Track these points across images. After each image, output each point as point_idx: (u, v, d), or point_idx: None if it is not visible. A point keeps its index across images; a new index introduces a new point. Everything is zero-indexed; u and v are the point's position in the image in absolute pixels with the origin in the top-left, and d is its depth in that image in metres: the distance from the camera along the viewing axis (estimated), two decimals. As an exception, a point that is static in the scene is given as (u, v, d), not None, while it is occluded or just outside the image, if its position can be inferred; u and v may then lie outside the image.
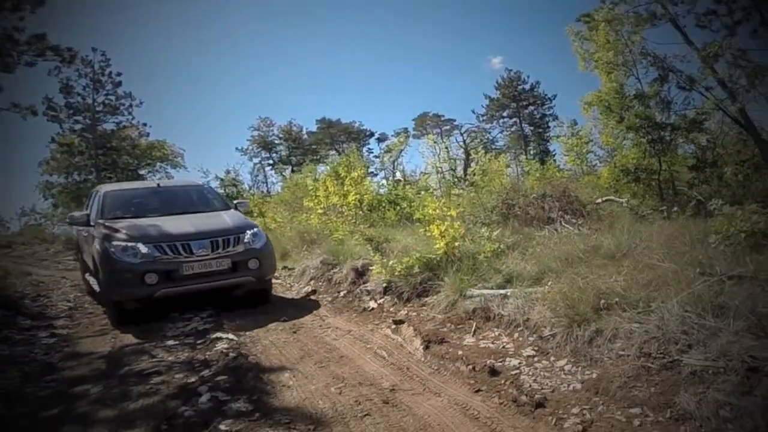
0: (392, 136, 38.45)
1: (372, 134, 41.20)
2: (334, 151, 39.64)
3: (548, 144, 34.20)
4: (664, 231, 5.56)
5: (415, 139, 38.11)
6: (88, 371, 4.45)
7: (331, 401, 3.23)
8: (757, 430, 2.24)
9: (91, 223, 6.71)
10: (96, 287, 6.71)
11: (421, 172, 29.49)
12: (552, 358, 3.47)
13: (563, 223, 7.51)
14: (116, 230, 6.10)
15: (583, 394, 2.92)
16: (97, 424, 3.23)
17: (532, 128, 35.51)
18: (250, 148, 38.64)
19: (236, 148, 39.08)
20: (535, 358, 3.54)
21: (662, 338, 3.03)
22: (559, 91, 37.15)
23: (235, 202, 8.16)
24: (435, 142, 33.57)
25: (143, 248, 5.75)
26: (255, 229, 6.61)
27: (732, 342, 2.75)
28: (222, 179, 20.86)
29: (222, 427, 2.95)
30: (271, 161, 38.51)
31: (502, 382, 3.22)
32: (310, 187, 12.29)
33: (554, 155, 29.99)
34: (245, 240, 6.24)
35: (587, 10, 11.42)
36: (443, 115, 38.04)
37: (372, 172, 33.57)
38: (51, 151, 18.91)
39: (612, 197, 8.74)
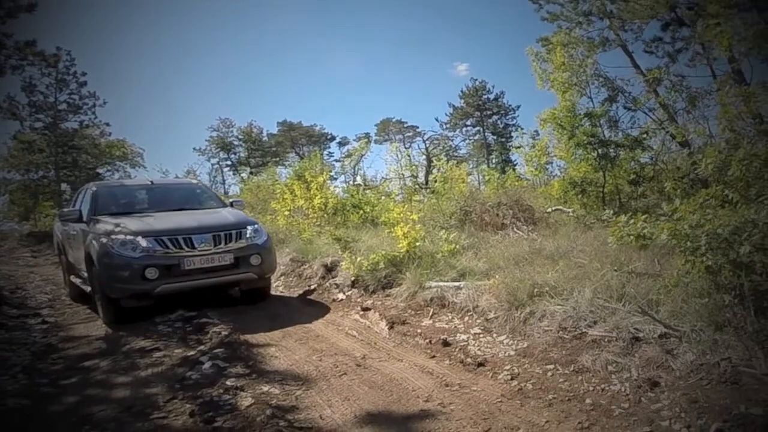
0: (354, 140, 39.28)
1: (333, 138, 42.06)
2: (294, 154, 40.36)
3: (510, 153, 35.83)
4: (598, 237, 6.64)
5: (377, 144, 39.13)
6: (91, 350, 5.15)
7: (313, 366, 4.11)
8: (630, 379, 3.24)
9: (84, 220, 6.71)
10: (85, 287, 6.78)
11: (383, 178, 30.39)
12: (494, 334, 4.44)
13: (515, 229, 8.56)
14: (114, 224, 6.08)
15: (515, 358, 3.89)
16: (118, 387, 3.98)
17: (495, 137, 37.07)
18: (209, 148, 38.84)
19: (194, 149, 39.19)
20: (481, 335, 4.50)
21: (575, 317, 4.04)
22: (523, 101, 38.90)
23: (230, 200, 8.23)
24: (398, 150, 34.61)
25: (143, 242, 5.75)
26: (256, 225, 6.70)
27: (623, 319, 3.77)
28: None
29: (228, 383, 3.77)
30: (229, 162, 38.83)
31: (453, 350, 4.18)
32: (278, 191, 13.05)
33: (516, 165, 31.47)
34: (247, 235, 6.34)
35: (546, 33, 12.77)
36: (406, 122, 39.32)
37: (332, 176, 34.27)
38: (9, 148, 19.06)
39: (561, 207, 9.85)
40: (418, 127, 38.32)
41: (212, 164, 38.70)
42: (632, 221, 3.81)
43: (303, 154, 40.04)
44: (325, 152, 40.33)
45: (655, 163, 10.77)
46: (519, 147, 26.94)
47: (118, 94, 53.65)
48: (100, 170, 21.19)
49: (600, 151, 10.23)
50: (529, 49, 12.77)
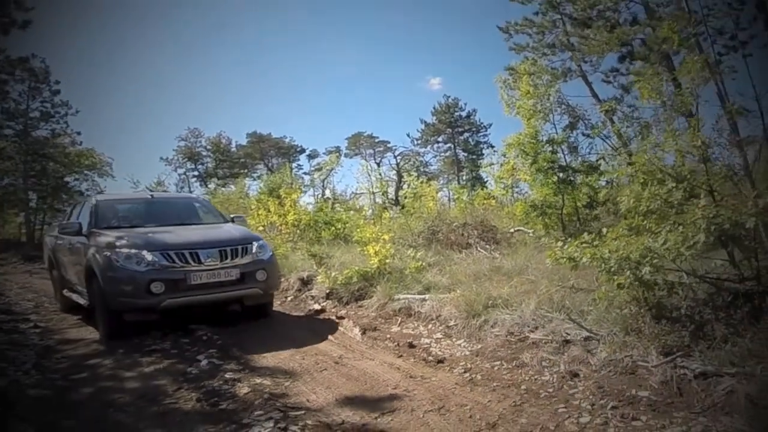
0: (324, 153, 40.10)
1: (303, 150, 42.73)
2: (263, 166, 41.02)
3: (481, 170, 37.22)
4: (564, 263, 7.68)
5: (347, 158, 40.06)
6: (90, 351, 5.85)
7: (298, 363, 4.95)
8: (558, 372, 4.19)
9: (83, 233, 6.81)
10: (81, 301, 6.94)
11: (353, 193, 31.24)
12: (453, 339, 5.35)
13: (479, 248, 9.55)
14: (117, 238, 6.24)
15: (469, 356, 4.80)
16: (127, 380, 4.73)
17: (466, 154, 38.47)
18: (176, 158, 39.18)
19: (161, 158, 39.47)
20: (442, 339, 5.42)
21: (521, 323, 5.00)
22: (495, 119, 40.32)
23: (231, 215, 8.36)
24: (368, 167, 35.52)
25: (148, 256, 5.89)
26: (261, 241, 6.89)
27: (558, 325, 4.74)
28: (151, 191, 21.81)
29: (227, 375, 4.58)
30: (196, 173, 39.24)
31: (417, 351, 5.08)
32: (252, 206, 13.85)
33: (486, 182, 32.77)
34: (253, 251, 6.51)
35: (515, 60, 13.96)
36: (378, 137, 40.33)
37: (301, 190, 34.88)
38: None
39: (522, 228, 10.90)
40: (389, 142, 39.49)
41: (179, 174, 39.07)
42: (566, 245, 4.77)
43: (272, 166, 40.71)
44: (294, 165, 40.96)
45: (610, 187, 11.97)
46: (489, 165, 28.34)
47: (86, 102, 53.37)
48: (68, 179, 21.51)
49: (560, 176, 11.34)
50: (498, 76, 13.95)
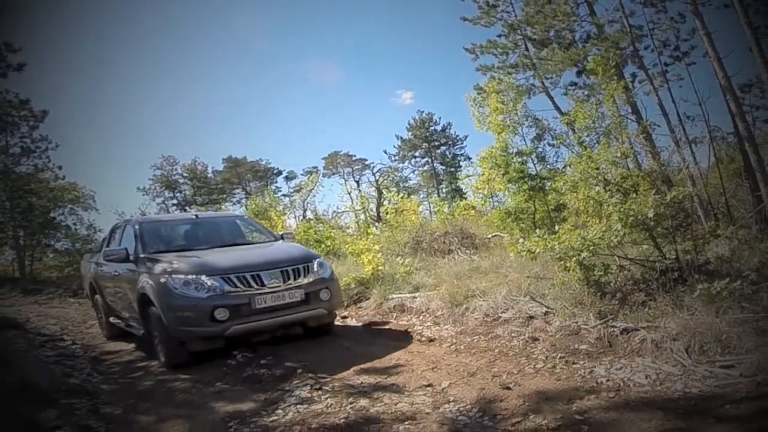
0: (302, 174, 41.07)
1: (280, 172, 43.49)
2: (241, 190, 42.05)
3: (460, 182, 38.80)
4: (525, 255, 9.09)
5: (325, 178, 41.14)
6: (135, 357, 7.06)
7: (315, 352, 6.22)
8: (523, 338, 5.53)
9: (131, 259, 6.72)
10: (133, 329, 7.06)
11: (334, 212, 32.41)
12: (441, 325, 6.69)
13: (460, 253, 10.93)
14: (169, 263, 6.15)
15: (454, 335, 6.15)
16: (179, 372, 5.92)
17: (444, 167, 40.06)
18: (153, 187, 39.85)
19: (138, 188, 40.04)
20: (432, 326, 6.75)
21: (495, 307, 6.35)
22: (470, 131, 41.89)
23: (280, 233, 8.26)
24: (350, 188, 36.71)
25: (208, 281, 5.79)
26: (320, 259, 6.82)
27: (524, 305, 6.11)
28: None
29: (261, 361, 5.81)
30: (175, 201, 40.00)
31: (412, 335, 6.41)
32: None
33: (465, 193, 34.28)
34: (314, 269, 6.42)
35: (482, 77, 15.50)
36: (354, 155, 41.60)
37: (281, 212, 35.80)
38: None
39: (498, 233, 12.31)
40: (366, 160, 40.72)
41: (158, 204, 39.78)
42: (524, 240, 6.16)
43: (250, 190, 41.70)
44: (273, 187, 41.85)
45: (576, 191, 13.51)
46: (466, 176, 29.92)
47: (60, 134, 53.76)
48: (53, 214, 22.41)
49: (530, 184, 12.79)
50: (467, 95, 15.50)
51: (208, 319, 5.71)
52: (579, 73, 14.19)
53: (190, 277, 5.86)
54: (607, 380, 4.15)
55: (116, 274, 7.33)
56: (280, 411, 4.27)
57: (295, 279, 6.18)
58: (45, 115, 12.50)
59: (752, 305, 4.53)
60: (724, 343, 4.21)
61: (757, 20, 11.43)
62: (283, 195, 40.64)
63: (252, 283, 5.92)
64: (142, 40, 55.53)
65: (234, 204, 40.18)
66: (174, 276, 5.90)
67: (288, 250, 6.94)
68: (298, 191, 40.02)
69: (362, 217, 28.46)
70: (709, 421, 3.18)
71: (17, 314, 12.29)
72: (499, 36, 14.97)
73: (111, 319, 8.05)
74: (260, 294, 5.91)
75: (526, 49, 14.48)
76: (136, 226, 7.26)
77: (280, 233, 8.21)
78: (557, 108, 14.34)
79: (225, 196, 40.84)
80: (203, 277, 5.84)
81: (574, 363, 4.64)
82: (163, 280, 5.93)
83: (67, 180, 23.06)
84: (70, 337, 8.94)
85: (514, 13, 14.86)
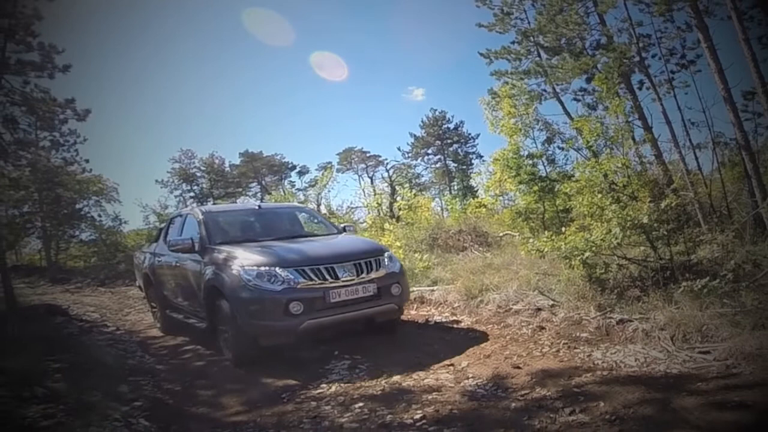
0: (315, 169, 41.68)
1: (294, 167, 44.12)
2: (256, 184, 42.87)
3: (471, 180, 39.47)
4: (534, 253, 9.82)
5: (339, 173, 41.85)
6: (180, 342, 7.78)
7: (344, 337, 6.99)
8: (532, 327, 6.27)
9: (196, 249, 6.58)
10: (196, 322, 6.91)
11: (348, 207, 33.07)
12: (458, 315, 7.45)
13: (473, 250, 11.67)
14: (243, 254, 5.99)
15: (470, 324, 6.91)
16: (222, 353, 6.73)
17: (456, 165, 40.77)
18: (171, 180, 40.68)
19: (156, 180, 40.79)
20: (450, 316, 7.51)
21: (507, 300, 7.10)
22: (482, 129, 42.78)
23: (342, 225, 8.11)
24: (367, 185, 37.29)
25: (282, 273, 5.61)
26: (389, 252, 6.69)
27: (533, 299, 6.85)
28: (160, 215, 23.52)
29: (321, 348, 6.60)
30: (192, 194, 40.82)
31: (432, 323, 7.18)
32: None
33: (477, 191, 34.95)
34: (385, 263, 6.28)
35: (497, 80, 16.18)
36: (368, 151, 42.38)
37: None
38: (-3, 186, 20.96)
39: (509, 232, 13.04)
40: (380, 156, 41.48)
41: (175, 196, 40.62)
42: (533, 240, 6.90)
43: (265, 184, 42.53)
44: (286, 181, 42.60)
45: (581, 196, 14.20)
46: (478, 174, 30.58)
47: (88, 128, 54.64)
48: (78, 205, 23.23)
49: (540, 185, 13.49)
50: (482, 99, 16.24)
51: (282, 313, 5.50)
52: (588, 80, 14.81)
53: (263, 269, 5.68)
54: (603, 362, 4.90)
55: (177, 265, 7.27)
56: (324, 385, 5.04)
57: (367, 273, 6.01)
58: (87, 114, 13.26)
59: (731, 302, 5.25)
60: (703, 333, 4.94)
61: (759, 31, 12.09)
62: (297, 189, 41.41)
63: (326, 276, 5.75)
64: (163, 39, 56.48)
65: (250, 197, 40.96)
66: (246, 267, 5.72)
67: (357, 243, 6.91)
68: (312, 186, 40.65)
69: (377, 213, 29.14)
70: (682, 394, 3.91)
71: (53, 302, 13.17)
72: (513, 42, 15.59)
73: (167, 311, 8.02)
74: (335, 288, 5.73)
75: (539, 56, 15.09)
76: (201, 217, 7.12)
77: (342, 225, 8.08)
78: (567, 113, 14.98)
79: (241, 189, 41.60)
80: (277, 269, 5.65)
81: (575, 348, 5.38)
82: (234, 271, 5.77)
83: (92, 173, 23.80)
84: (112, 324, 9.72)
85: (528, 21, 15.46)
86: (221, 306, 5.97)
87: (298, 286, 5.61)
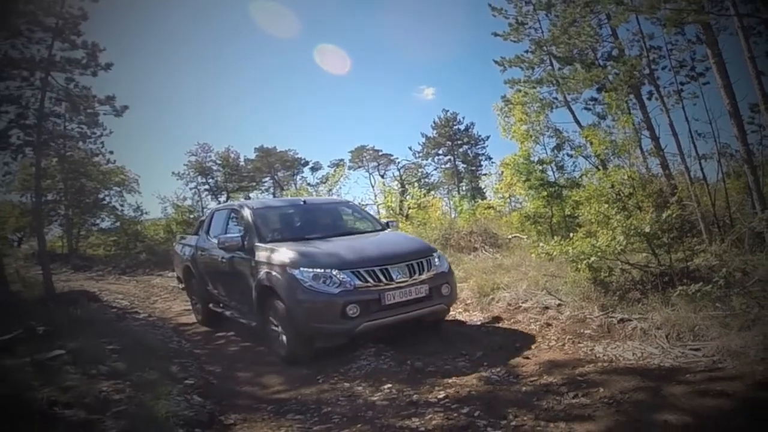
0: (328, 166, 42.27)
1: (307, 163, 44.53)
2: (270, 178, 43.43)
3: (480, 181, 39.98)
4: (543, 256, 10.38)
5: (350, 171, 42.29)
6: (211, 329, 8.41)
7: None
8: (539, 324, 6.84)
9: (244, 246, 6.59)
10: (244, 320, 6.94)
11: (360, 204, 33.52)
12: (471, 311, 8.02)
13: (484, 251, 12.24)
14: (296, 254, 5.95)
15: (483, 319, 7.48)
16: (250, 339, 7.33)
17: (465, 166, 41.32)
18: (187, 172, 41.17)
19: (172, 173, 41.25)
20: (463, 312, 8.08)
21: (516, 298, 7.67)
22: (492, 131, 43.04)
23: (385, 221, 8.11)
24: (382, 184, 37.74)
25: (339, 275, 5.62)
26: (438, 251, 6.73)
27: (541, 298, 7.41)
28: (177, 206, 24.21)
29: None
30: (207, 187, 41.37)
31: (448, 319, 7.75)
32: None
33: (485, 192, 35.46)
34: (435, 263, 6.32)
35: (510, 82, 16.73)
36: (380, 150, 42.89)
37: (306, 201, 36.48)
38: (19, 173, 21.59)
39: (518, 234, 13.61)
40: (392, 155, 41.94)
41: (190, 188, 41.14)
42: (542, 244, 7.47)
43: (278, 179, 43.12)
44: (298, 177, 43.12)
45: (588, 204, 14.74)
46: (488, 174, 31.12)
47: (111, 120, 55.21)
48: (101, 195, 23.86)
49: (549, 190, 14.03)
50: (495, 105, 16.83)
51: (339, 316, 5.54)
52: (599, 90, 15.33)
53: (319, 270, 5.68)
54: (604, 355, 5.46)
55: (223, 261, 7.23)
56: (355, 368, 5.62)
57: (419, 273, 6.04)
58: (125, 110, 13.80)
59: (722, 305, 5.79)
60: (696, 333, 5.49)
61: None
62: (308, 185, 41.92)
63: (381, 277, 5.77)
64: (181, 35, 56.88)
65: (263, 192, 41.51)
66: (303, 269, 5.72)
67: (408, 243, 6.88)
68: (324, 182, 41.12)
69: (383, 211, 29.69)
70: (672, 384, 4.48)
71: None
72: (526, 52, 16.12)
73: (211, 305, 8.04)
74: (389, 290, 5.76)
75: (551, 65, 15.63)
76: (248, 212, 7.08)
77: (385, 221, 8.10)
78: (577, 121, 15.50)
79: (255, 184, 42.11)
80: (334, 271, 5.67)
81: (579, 343, 5.95)
82: (290, 272, 5.75)
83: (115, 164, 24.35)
84: (142, 311, 10.26)
85: (541, 31, 15.99)
86: (276, 306, 6.00)
87: (355, 289, 5.64)
